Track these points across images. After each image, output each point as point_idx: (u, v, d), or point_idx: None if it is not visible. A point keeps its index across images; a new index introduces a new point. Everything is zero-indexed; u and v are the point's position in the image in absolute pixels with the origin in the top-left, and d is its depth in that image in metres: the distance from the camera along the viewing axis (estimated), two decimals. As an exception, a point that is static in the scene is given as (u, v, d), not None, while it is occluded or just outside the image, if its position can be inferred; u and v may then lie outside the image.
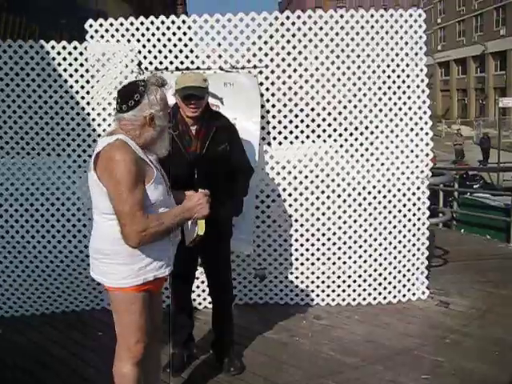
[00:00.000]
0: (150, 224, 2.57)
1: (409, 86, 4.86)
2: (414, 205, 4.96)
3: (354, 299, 5.07)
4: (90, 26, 4.86)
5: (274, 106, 4.78)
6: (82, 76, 4.91)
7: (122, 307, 2.75)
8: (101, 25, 4.84)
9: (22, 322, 4.96)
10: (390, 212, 4.94)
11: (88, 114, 4.92)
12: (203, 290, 5.00)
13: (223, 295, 3.99)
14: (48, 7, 10.16)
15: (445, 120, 42.83)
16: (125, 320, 2.77)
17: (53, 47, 4.88)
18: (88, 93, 4.91)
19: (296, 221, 4.93)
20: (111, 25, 4.83)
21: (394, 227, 4.96)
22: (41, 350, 4.38)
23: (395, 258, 5.00)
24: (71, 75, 4.90)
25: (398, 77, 4.85)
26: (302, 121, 4.80)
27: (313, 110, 4.78)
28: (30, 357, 4.24)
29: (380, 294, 5.07)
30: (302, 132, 4.81)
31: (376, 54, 4.81)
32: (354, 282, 5.03)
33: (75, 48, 4.89)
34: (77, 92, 4.91)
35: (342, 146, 4.84)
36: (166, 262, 2.79)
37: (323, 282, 5.04)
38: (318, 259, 5.00)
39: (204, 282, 4.71)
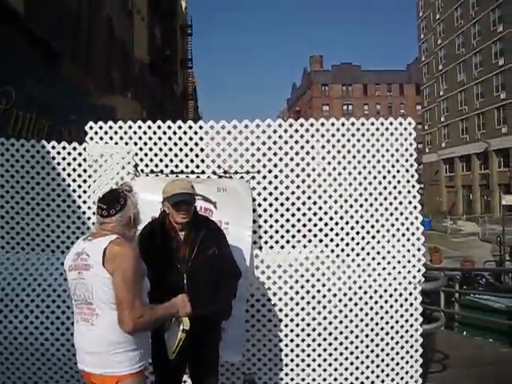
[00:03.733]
0: (146, 312, 2.93)
1: (400, 192, 4.90)
2: (407, 311, 4.87)
3: (347, 406, 4.89)
4: (91, 127, 5.03)
5: (265, 210, 4.83)
6: (79, 175, 5.02)
7: None
8: (100, 127, 5.01)
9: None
10: (382, 318, 4.85)
11: (84, 213, 5.00)
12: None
13: None
14: (58, 103, 10.57)
15: (450, 216, 42.89)
16: None
17: (53, 147, 5.04)
18: (85, 192, 5.01)
19: (286, 326, 4.84)
20: (110, 127, 4.99)
21: (387, 334, 4.86)
22: None
23: (388, 365, 4.87)
24: (69, 174, 5.02)
25: (389, 183, 4.90)
26: (293, 225, 4.83)
27: (304, 215, 4.82)
28: None
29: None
30: (293, 237, 4.82)
31: (367, 161, 4.91)
32: (348, 389, 4.87)
33: (74, 148, 5.04)
34: (74, 191, 5.01)
35: (333, 251, 4.83)
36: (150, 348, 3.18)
37: (315, 389, 4.89)
38: (309, 365, 4.87)
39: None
